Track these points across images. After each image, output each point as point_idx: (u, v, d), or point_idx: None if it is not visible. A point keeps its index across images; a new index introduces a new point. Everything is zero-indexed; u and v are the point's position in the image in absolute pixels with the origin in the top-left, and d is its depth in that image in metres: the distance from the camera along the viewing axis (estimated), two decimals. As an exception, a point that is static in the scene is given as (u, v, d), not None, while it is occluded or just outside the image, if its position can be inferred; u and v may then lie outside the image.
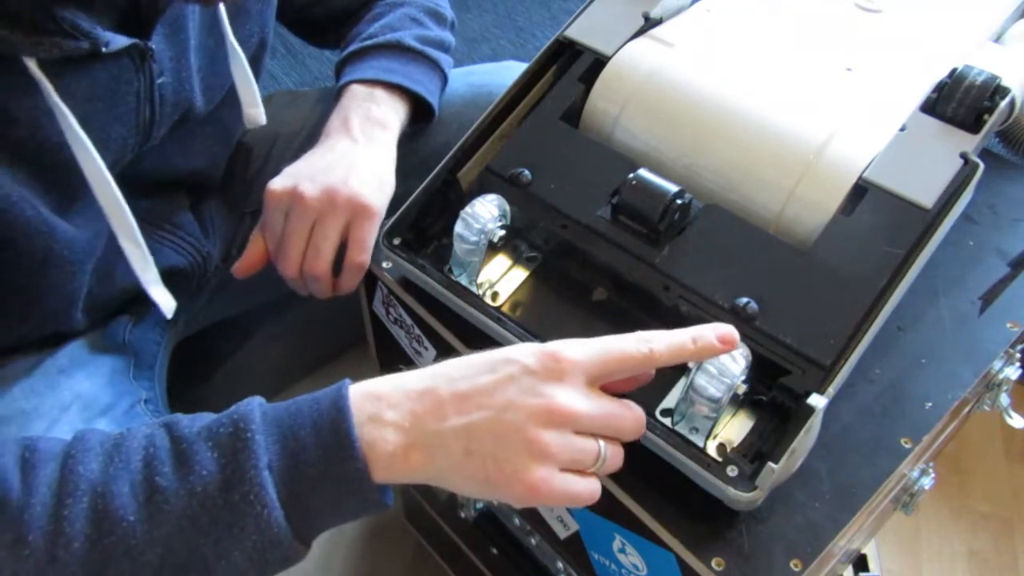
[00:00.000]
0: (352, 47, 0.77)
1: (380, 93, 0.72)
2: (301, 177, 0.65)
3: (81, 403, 0.64)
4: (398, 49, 0.75)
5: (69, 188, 0.58)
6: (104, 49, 0.54)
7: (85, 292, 0.66)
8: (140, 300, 0.72)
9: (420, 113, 0.76)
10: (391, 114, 0.72)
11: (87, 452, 0.45)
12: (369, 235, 0.64)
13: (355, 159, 0.67)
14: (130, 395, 0.68)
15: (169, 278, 0.72)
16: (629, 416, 0.47)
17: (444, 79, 0.79)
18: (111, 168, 0.60)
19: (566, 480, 0.45)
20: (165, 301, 0.65)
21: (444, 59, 0.78)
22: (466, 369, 0.47)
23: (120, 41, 0.55)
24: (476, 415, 0.45)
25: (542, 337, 0.54)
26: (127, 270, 0.69)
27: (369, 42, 0.76)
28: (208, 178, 0.76)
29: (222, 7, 0.64)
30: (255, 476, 0.44)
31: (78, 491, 0.43)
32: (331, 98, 0.91)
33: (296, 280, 0.67)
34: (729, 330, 0.48)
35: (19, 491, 0.43)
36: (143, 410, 0.68)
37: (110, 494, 0.43)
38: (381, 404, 0.46)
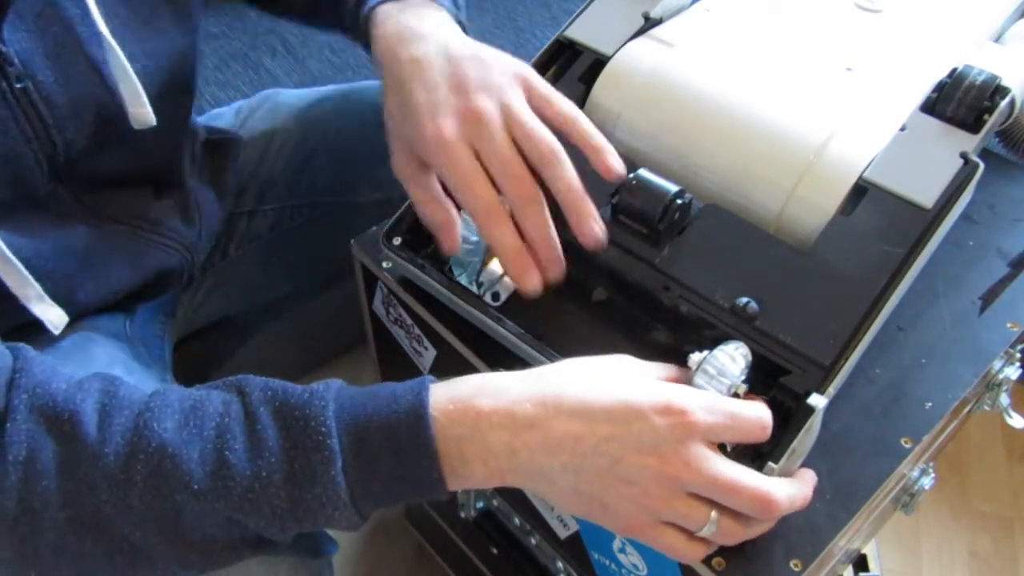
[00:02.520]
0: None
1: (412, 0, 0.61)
2: (440, 102, 0.53)
3: (120, 365, 0.64)
4: None
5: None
6: None
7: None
8: (134, 299, 0.72)
9: None
10: (431, 8, 0.61)
11: (165, 408, 0.46)
12: (547, 86, 0.55)
13: (451, 38, 0.56)
14: (159, 372, 0.69)
15: (160, 276, 0.72)
16: (746, 495, 0.44)
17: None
18: (12, 180, 0.57)
19: (664, 533, 0.45)
20: (52, 316, 0.61)
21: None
22: (580, 405, 0.45)
23: None
24: (589, 461, 0.44)
25: (542, 337, 0.54)
26: (105, 276, 0.67)
27: None
28: (169, 176, 0.72)
29: None
30: (328, 481, 0.44)
31: (150, 447, 0.44)
32: (329, 100, 0.90)
33: (537, 199, 0.52)
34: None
35: (95, 437, 0.44)
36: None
37: (179, 458, 0.44)
38: (481, 423, 0.45)
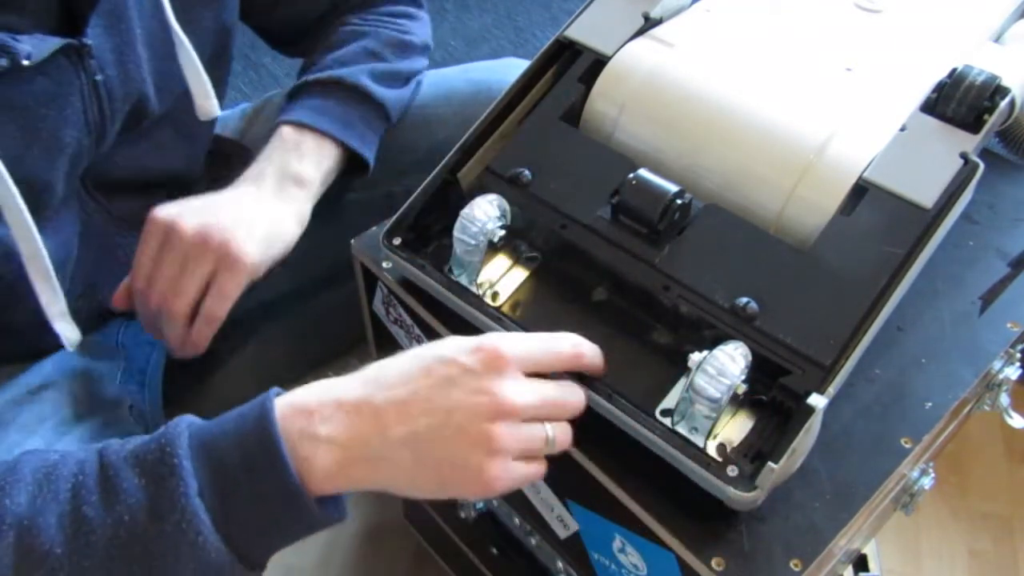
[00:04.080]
0: (299, 80, 0.74)
1: (308, 142, 0.70)
2: (187, 210, 0.63)
3: (59, 416, 0.64)
4: (339, 87, 0.73)
5: (32, 206, 0.57)
6: (26, 62, 0.52)
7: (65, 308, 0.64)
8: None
9: (356, 158, 0.74)
10: (311, 168, 0.70)
11: (17, 483, 0.44)
12: (232, 289, 0.63)
13: (251, 208, 0.65)
14: (113, 403, 0.68)
15: None
16: (571, 396, 0.49)
17: (388, 120, 0.76)
18: (70, 172, 0.60)
19: (519, 468, 0.46)
20: (69, 334, 0.63)
21: (393, 97, 0.75)
22: (400, 374, 0.46)
23: (46, 47, 0.53)
24: (421, 422, 0.45)
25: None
26: (114, 284, 0.68)
27: (312, 76, 0.73)
28: (187, 178, 0.74)
29: None
30: (186, 504, 0.43)
31: (4, 525, 0.43)
32: None
33: (151, 315, 0.64)
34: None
35: None
36: (125, 416, 0.68)
37: (36, 528, 0.43)
38: (313, 419, 0.45)
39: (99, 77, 0.57)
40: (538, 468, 0.48)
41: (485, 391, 0.45)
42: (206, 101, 0.65)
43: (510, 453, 0.46)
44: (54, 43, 0.54)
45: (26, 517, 0.43)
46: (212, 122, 0.74)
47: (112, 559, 0.43)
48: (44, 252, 0.58)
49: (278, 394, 0.47)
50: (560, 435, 0.48)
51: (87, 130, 0.59)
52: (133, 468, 0.44)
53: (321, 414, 0.45)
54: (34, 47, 0.53)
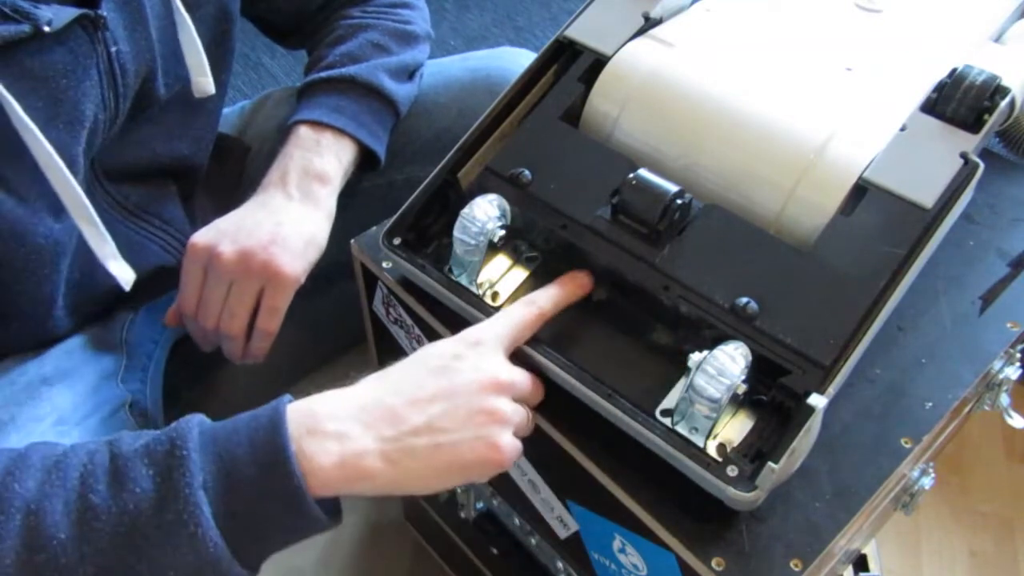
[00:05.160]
0: (310, 77, 0.76)
1: (327, 139, 0.72)
2: (223, 235, 0.66)
3: (57, 416, 0.64)
4: (352, 85, 0.74)
5: (39, 177, 0.57)
6: (47, 28, 0.53)
7: (64, 293, 0.65)
8: (134, 295, 0.72)
9: (369, 153, 0.75)
10: (333, 164, 0.71)
11: (27, 469, 0.45)
12: (281, 303, 0.66)
13: (283, 219, 0.67)
14: (113, 401, 0.68)
15: (157, 276, 0.72)
16: (537, 385, 0.53)
17: (397, 116, 0.78)
18: (87, 149, 0.60)
19: (517, 442, 0.49)
20: (123, 274, 0.65)
21: (403, 93, 0.77)
22: (398, 375, 0.50)
23: (64, 15, 0.55)
24: (433, 408, 0.47)
25: (541, 338, 0.54)
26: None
27: (325, 74, 0.75)
28: (194, 165, 0.75)
29: None
30: (189, 495, 0.43)
31: (11, 508, 0.43)
32: None
33: (205, 333, 0.68)
34: (585, 274, 0.55)
35: None
36: (125, 415, 0.68)
37: (43, 511, 0.43)
38: (319, 417, 0.46)
39: (114, 49, 0.58)
40: (520, 446, 0.50)
41: (481, 368, 0.49)
42: (202, 78, 0.66)
43: (512, 425, 0.49)
44: (72, 12, 0.55)
45: (33, 501, 0.44)
46: (217, 110, 0.75)
47: (115, 547, 0.43)
48: (87, 200, 0.59)
49: (290, 400, 0.48)
50: (529, 420, 0.52)
51: (103, 106, 0.60)
52: (143, 459, 0.45)
53: (327, 413, 0.47)
54: (54, 15, 0.54)
